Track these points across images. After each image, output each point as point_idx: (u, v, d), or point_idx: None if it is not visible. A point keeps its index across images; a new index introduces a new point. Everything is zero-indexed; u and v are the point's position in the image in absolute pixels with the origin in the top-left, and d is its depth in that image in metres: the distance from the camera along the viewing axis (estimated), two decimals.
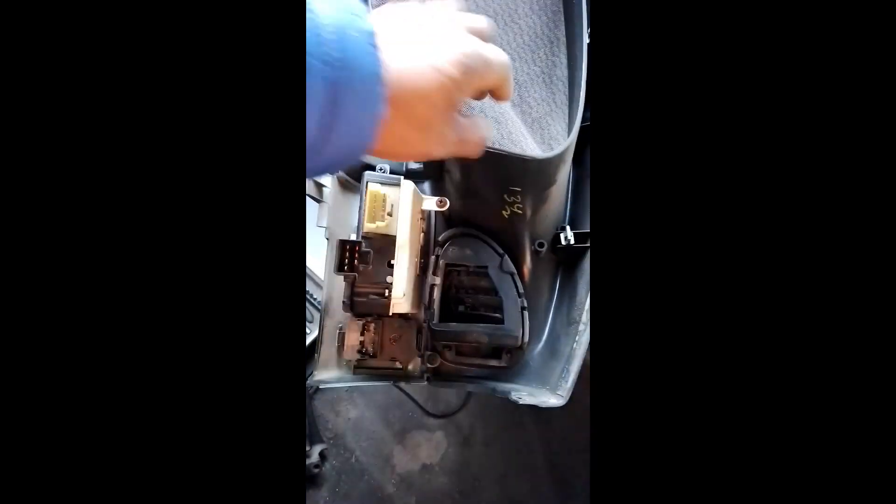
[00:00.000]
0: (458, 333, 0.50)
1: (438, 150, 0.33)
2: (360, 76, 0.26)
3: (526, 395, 0.48)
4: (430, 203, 0.51)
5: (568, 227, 0.54)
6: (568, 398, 0.45)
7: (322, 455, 1.04)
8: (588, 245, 0.53)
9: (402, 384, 1.08)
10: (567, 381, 0.46)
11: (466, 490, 1.05)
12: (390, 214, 0.47)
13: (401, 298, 0.46)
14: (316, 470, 1.03)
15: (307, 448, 1.03)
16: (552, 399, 0.46)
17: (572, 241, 0.53)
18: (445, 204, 0.50)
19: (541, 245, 0.54)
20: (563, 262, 0.57)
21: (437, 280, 0.50)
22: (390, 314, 0.50)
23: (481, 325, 0.51)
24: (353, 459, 1.07)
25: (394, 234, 0.47)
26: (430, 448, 1.08)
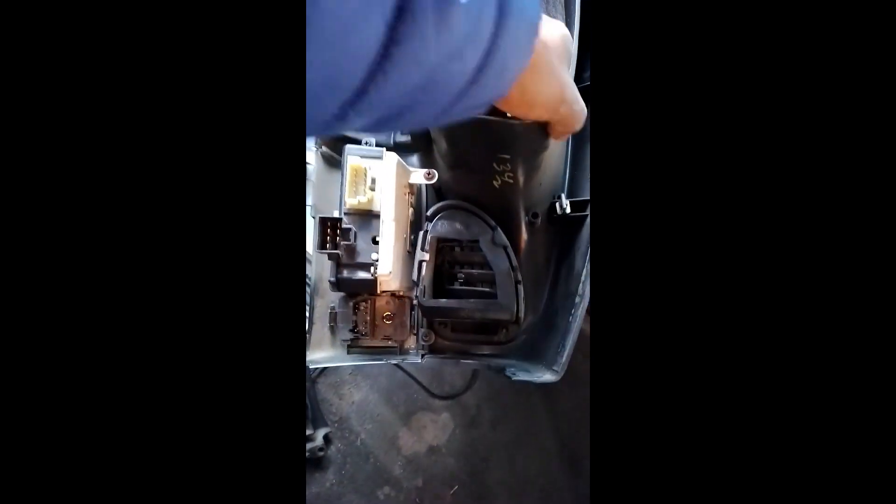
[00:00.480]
0: (449, 309, 0.48)
1: (557, 108, 0.35)
2: (521, 20, 0.26)
3: (520, 370, 0.46)
4: (418, 176, 0.49)
5: (563, 196, 0.51)
6: (563, 373, 0.43)
7: (326, 438, 1.04)
8: (586, 214, 0.51)
9: (406, 366, 1.07)
10: (563, 356, 0.44)
11: (474, 471, 1.05)
12: (373, 189, 0.45)
13: (387, 276, 0.44)
14: (321, 453, 1.02)
15: (311, 431, 1.02)
16: (547, 375, 0.44)
17: (568, 211, 0.51)
18: (433, 176, 0.48)
19: (535, 216, 0.52)
20: (560, 232, 0.54)
21: (427, 256, 0.48)
22: (379, 292, 0.49)
23: (473, 299, 0.49)
24: (359, 442, 1.06)
25: (378, 209, 0.45)
26: (436, 429, 1.07)
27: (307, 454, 1.01)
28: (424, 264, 0.48)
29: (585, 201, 0.51)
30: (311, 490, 1.04)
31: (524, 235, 0.53)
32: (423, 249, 0.48)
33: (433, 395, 1.08)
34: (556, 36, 0.33)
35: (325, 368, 1.09)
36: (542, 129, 0.41)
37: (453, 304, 0.48)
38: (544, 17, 0.30)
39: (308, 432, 1.02)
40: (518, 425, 1.06)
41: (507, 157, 0.47)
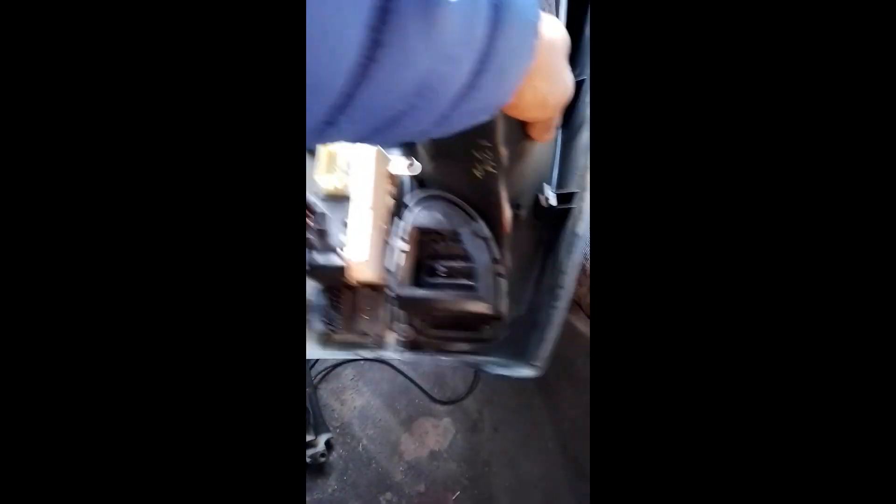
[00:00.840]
0: (425, 300, 0.46)
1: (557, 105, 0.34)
2: (518, 22, 0.25)
3: (498, 366, 0.44)
4: (398, 165, 0.47)
5: (547, 187, 0.50)
6: (544, 367, 0.41)
7: (328, 444, 1.02)
8: (572, 206, 0.49)
9: (407, 371, 1.05)
10: (542, 350, 0.42)
11: (476, 476, 1.02)
12: (347, 173, 0.44)
13: (361, 263, 0.43)
14: (322, 459, 1.01)
15: (313, 437, 1.01)
16: (525, 370, 0.42)
17: (554, 203, 0.49)
18: (414, 166, 0.47)
19: (518, 207, 0.50)
20: (545, 226, 0.53)
21: (404, 245, 0.47)
22: (354, 282, 0.47)
23: (451, 291, 0.47)
24: (360, 448, 1.05)
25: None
26: (437, 435, 1.05)
27: (309, 460, 1.00)
28: (402, 253, 0.46)
29: (571, 194, 0.49)
30: (313, 496, 1.03)
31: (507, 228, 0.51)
32: (401, 238, 0.47)
33: (434, 401, 1.06)
34: (559, 34, 0.32)
35: (327, 374, 1.09)
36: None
37: (430, 294, 0.46)
38: (543, 16, 0.29)
39: (310, 438, 1.01)
40: (520, 429, 1.03)
41: (488, 144, 0.45)
